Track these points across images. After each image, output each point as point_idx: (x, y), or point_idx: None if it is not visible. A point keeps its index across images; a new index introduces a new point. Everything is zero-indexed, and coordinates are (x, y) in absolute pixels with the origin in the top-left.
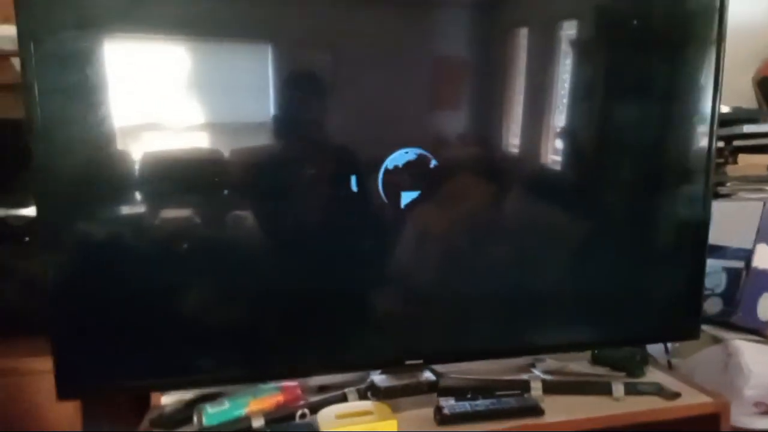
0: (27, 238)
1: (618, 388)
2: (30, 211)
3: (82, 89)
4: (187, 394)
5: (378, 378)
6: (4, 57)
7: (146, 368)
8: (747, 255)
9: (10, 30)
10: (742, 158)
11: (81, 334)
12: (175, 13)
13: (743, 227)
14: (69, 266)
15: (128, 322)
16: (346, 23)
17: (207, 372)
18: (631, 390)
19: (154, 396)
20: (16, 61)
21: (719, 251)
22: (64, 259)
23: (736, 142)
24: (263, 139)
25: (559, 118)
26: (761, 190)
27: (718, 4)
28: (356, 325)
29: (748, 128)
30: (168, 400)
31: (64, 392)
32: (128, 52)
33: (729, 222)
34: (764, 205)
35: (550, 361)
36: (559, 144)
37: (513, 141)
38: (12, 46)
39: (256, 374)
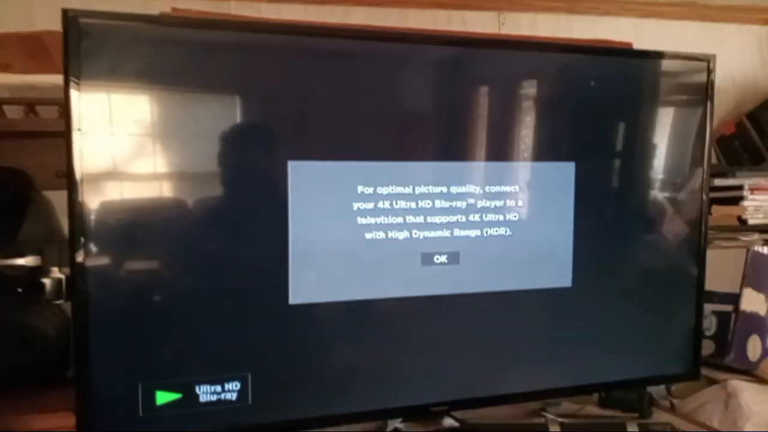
0: (20, 289)
1: (633, 430)
2: (27, 261)
3: None
4: None
5: (402, 426)
6: None
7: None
8: (735, 299)
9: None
10: (716, 209)
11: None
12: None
13: (730, 273)
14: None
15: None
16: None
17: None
18: (645, 431)
19: None
20: (7, 109)
21: (708, 296)
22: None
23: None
24: None
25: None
26: (734, 239)
27: (706, 66)
28: (381, 373)
29: (718, 182)
30: None
31: None
32: None
33: (716, 268)
34: (748, 251)
35: (564, 404)
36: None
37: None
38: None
39: (278, 426)
